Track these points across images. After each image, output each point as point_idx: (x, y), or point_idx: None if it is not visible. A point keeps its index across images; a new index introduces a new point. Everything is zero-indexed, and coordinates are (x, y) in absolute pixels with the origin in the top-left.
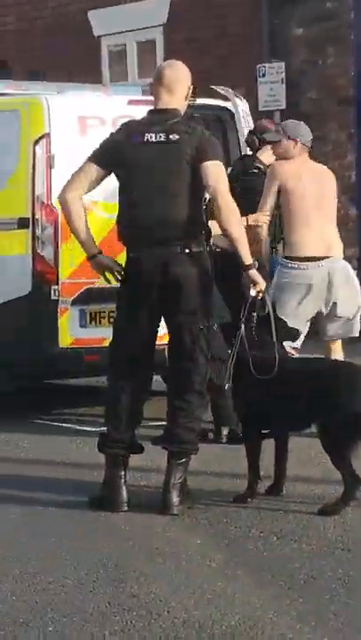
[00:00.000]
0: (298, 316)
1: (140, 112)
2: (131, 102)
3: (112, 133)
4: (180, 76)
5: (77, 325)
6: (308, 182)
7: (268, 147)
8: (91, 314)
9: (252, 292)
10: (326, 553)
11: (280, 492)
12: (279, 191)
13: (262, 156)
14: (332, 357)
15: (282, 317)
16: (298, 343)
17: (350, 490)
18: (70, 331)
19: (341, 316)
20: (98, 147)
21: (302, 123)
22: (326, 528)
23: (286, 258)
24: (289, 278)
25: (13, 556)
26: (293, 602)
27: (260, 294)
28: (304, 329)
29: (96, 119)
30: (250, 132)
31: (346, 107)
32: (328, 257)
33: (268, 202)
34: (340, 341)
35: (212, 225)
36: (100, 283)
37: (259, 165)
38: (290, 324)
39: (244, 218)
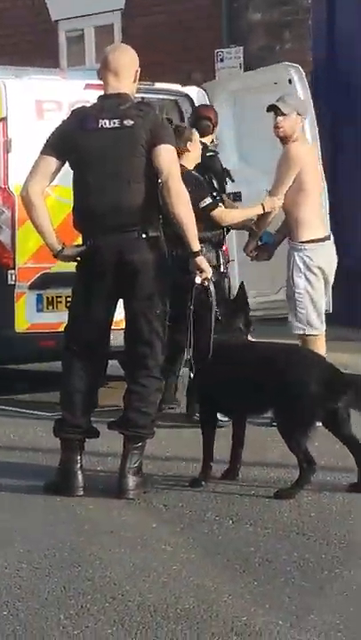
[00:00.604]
0: (324, 298)
1: (97, 96)
2: (88, 86)
3: (64, 121)
4: (125, 59)
5: (34, 310)
6: (314, 161)
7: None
8: (48, 298)
9: (198, 280)
10: (281, 536)
11: (236, 476)
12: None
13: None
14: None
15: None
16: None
17: (306, 474)
18: (27, 315)
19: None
20: (51, 137)
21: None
22: (282, 512)
23: (304, 242)
24: (313, 259)
25: None
26: (248, 585)
27: (205, 282)
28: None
29: (53, 103)
30: (200, 117)
31: None
32: (329, 235)
33: (285, 187)
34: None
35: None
36: (56, 268)
37: (214, 149)
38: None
39: (259, 205)
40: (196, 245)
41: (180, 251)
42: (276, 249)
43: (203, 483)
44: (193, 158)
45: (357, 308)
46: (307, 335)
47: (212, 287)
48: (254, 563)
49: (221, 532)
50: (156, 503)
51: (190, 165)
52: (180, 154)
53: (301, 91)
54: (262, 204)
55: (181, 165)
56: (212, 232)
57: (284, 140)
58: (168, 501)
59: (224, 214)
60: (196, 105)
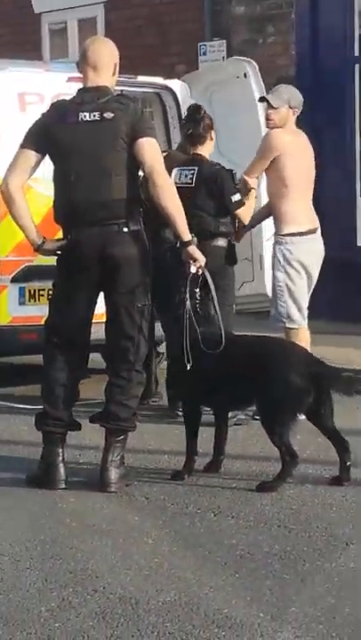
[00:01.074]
0: (309, 287)
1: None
2: (70, 79)
3: (43, 114)
4: (104, 53)
5: (17, 303)
6: (302, 153)
7: None
8: (30, 291)
9: (193, 269)
10: (263, 529)
11: (218, 469)
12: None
13: None
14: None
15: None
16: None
17: (288, 467)
18: (9, 309)
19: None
20: (30, 130)
21: (292, 87)
22: (263, 505)
23: (285, 235)
24: (293, 253)
25: None
26: (229, 577)
27: (200, 270)
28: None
29: (35, 95)
30: None
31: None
32: (316, 229)
33: (260, 168)
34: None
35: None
36: (39, 260)
37: None
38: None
39: (252, 192)
40: (186, 235)
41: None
42: (245, 233)
43: (185, 476)
44: (210, 148)
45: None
46: (288, 328)
47: (207, 274)
48: (236, 555)
49: (203, 525)
50: (139, 496)
51: (206, 155)
52: (200, 142)
53: (255, 85)
54: (250, 188)
55: (200, 155)
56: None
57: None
58: (150, 494)
59: (245, 212)
60: (179, 98)
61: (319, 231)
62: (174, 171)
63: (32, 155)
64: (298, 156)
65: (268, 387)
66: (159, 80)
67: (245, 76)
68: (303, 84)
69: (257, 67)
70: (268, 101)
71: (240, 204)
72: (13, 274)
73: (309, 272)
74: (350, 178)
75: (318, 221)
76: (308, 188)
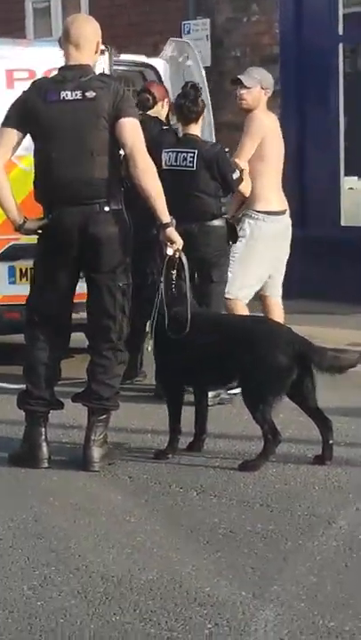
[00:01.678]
0: (265, 268)
1: None
2: None
3: (24, 92)
4: (87, 30)
5: (6, 282)
6: (277, 134)
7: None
8: (21, 270)
9: (169, 251)
10: (245, 508)
11: (201, 448)
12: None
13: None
14: (275, 315)
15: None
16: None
17: (270, 446)
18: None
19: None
20: (11, 109)
21: (263, 69)
22: (246, 484)
23: (260, 211)
24: (263, 230)
25: None
26: (212, 555)
27: (177, 252)
28: (260, 284)
29: (25, 71)
30: (142, 90)
31: (270, 64)
32: (286, 210)
33: (251, 151)
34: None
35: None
36: (24, 239)
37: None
38: (258, 276)
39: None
40: (165, 217)
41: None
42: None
43: (169, 455)
44: (200, 127)
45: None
46: (225, 298)
47: (183, 258)
48: (218, 534)
49: (186, 504)
50: (121, 475)
51: (199, 134)
52: (195, 121)
53: (195, 65)
54: (242, 169)
55: (195, 135)
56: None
57: (248, 112)
58: (133, 473)
59: (245, 188)
60: (162, 76)
61: (288, 213)
62: (167, 153)
63: (13, 133)
64: (275, 138)
65: (251, 365)
66: (142, 58)
67: (187, 57)
68: (287, 63)
69: (195, 50)
70: (240, 81)
71: (239, 181)
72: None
73: (275, 252)
74: (335, 157)
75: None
76: (279, 170)
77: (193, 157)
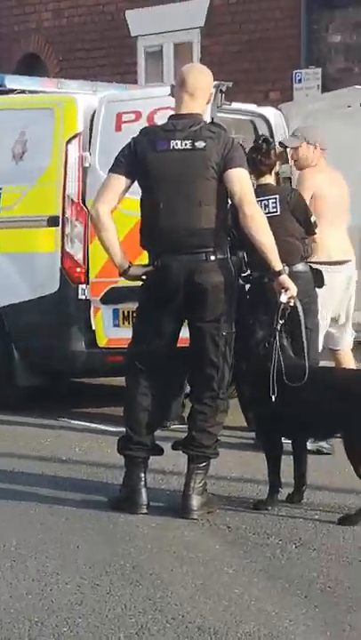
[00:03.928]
0: (324, 321)
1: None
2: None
3: (134, 140)
4: (203, 81)
5: (111, 325)
6: (334, 188)
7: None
8: (124, 313)
9: (283, 298)
10: (345, 563)
11: (301, 499)
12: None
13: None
14: (345, 366)
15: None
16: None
17: None
18: (104, 330)
19: (352, 322)
20: (120, 156)
21: (317, 127)
22: (346, 538)
23: (316, 262)
24: (340, 280)
25: (31, 554)
26: (310, 611)
27: (292, 300)
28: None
29: (132, 114)
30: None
31: None
32: (348, 261)
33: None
34: (350, 349)
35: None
36: (122, 282)
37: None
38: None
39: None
40: (278, 264)
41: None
42: None
43: (268, 507)
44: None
45: None
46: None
47: (298, 304)
48: (316, 589)
49: (284, 557)
50: (220, 524)
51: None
52: (270, 173)
53: None
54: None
55: (270, 184)
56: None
57: (301, 169)
58: (231, 523)
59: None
60: (272, 126)
61: (352, 263)
62: None
63: (122, 180)
64: (329, 190)
65: (354, 418)
66: (253, 107)
67: None
68: None
69: None
70: (284, 145)
71: (316, 223)
72: (100, 295)
73: (338, 303)
74: None
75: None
76: (340, 220)
77: (275, 202)
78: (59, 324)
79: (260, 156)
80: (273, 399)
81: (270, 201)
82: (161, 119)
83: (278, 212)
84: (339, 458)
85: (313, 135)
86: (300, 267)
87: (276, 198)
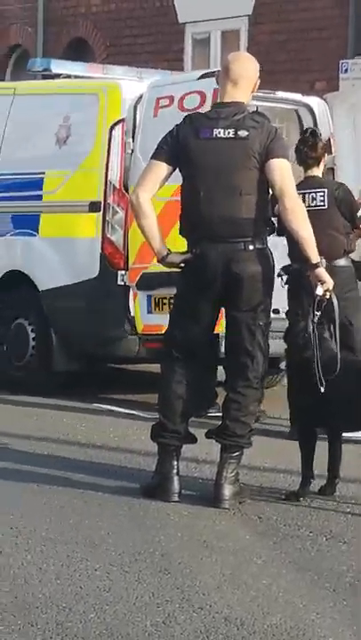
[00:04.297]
0: None
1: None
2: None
3: (177, 127)
4: (248, 70)
5: (145, 311)
6: None
7: None
8: (155, 300)
9: (319, 291)
10: None
11: (333, 492)
12: None
13: None
14: None
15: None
16: None
17: None
18: (141, 316)
19: None
20: (163, 142)
21: None
22: None
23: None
24: None
25: (62, 539)
26: (337, 604)
27: (328, 293)
28: None
29: (166, 99)
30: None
31: None
32: None
33: None
34: None
35: None
36: (153, 268)
37: None
38: None
39: None
40: (316, 257)
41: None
42: None
43: (300, 498)
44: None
45: None
46: None
47: (334, 298)
48: (345, 582)
49: (314, 549)
50: (251, 514)
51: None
52: (317, 165)
53: None
54: None
55: (318, 176)
56: None
57: None
58: (263, 513)
59: None
60: (317, 115)
61: None
62: None
63: (163, 167)
64: None
65: None
66: (297, 96)
67: None
68: None
69: None
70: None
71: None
72: (135, 281)
73: None
74: None
75: None
76: None
77: (323, 196)
78: (98, 310)
79: (307, 148)
80: (322, 390)
81: (318, 194)
82: (189, 103)
83: (326, 207)
84: None
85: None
86: (342, 261)
87: (324, 192)
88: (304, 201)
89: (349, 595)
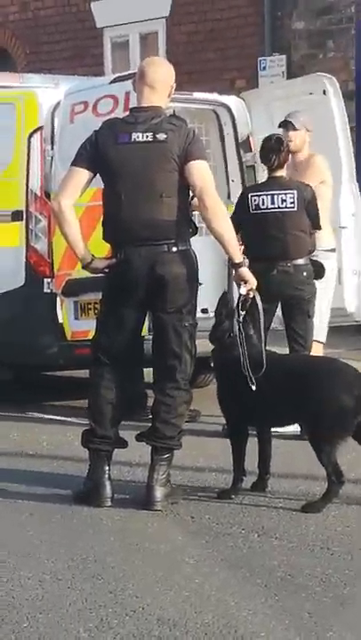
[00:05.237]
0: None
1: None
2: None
3: (96, 133)
4: (163, 74)
5: (73, 318)
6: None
7: None
8: (82, 305)
9: (243, 290)
10: (306, 551)
11: (265, 488)
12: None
13: None
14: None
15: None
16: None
17: (334, 487)
18: (69, 323)
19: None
20: (82, 149)
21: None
22: (308, 525)
23: (327, 250)
24: (332, 267)
25: None
26: (269, 599)
27: (251, 292)
28: None
29: (81, 104)
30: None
31: (346, 101)
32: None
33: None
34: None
35: None
36: (78, 274)
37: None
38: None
39: None
40: (237, 257)
41: None
42: None
43: (232, 496)
44: None
45: None
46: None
47: (257, 297)
48: (277, 577)
49: (246, 546)
50: (184, 515)
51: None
52: (282, 167)
53: (335, 102)
54: None
55: (284, 177)
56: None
57: (293, 153)
58: (195, 513)
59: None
60: (235, 115)
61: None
62: (258, 196)
63: (84, 173)
64: (328, 176)
65: (317, 406)
66: (215, 96)
67: (324, 92)
68: None
69: (337, 84)
70: (290, 124)
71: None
72: (60, 288)
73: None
74: None
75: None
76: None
77: (293, 198)
78: (26, 319)
79: (274, 154)
80: (253, 389)
81: (288, 196)
82: (103, 108)
83: (296, 209)
84: (302, 445)
85: (310, 123)
86: (303, 260)
87: (294, 194)
88: (273, 202)
89: (281, 589)
